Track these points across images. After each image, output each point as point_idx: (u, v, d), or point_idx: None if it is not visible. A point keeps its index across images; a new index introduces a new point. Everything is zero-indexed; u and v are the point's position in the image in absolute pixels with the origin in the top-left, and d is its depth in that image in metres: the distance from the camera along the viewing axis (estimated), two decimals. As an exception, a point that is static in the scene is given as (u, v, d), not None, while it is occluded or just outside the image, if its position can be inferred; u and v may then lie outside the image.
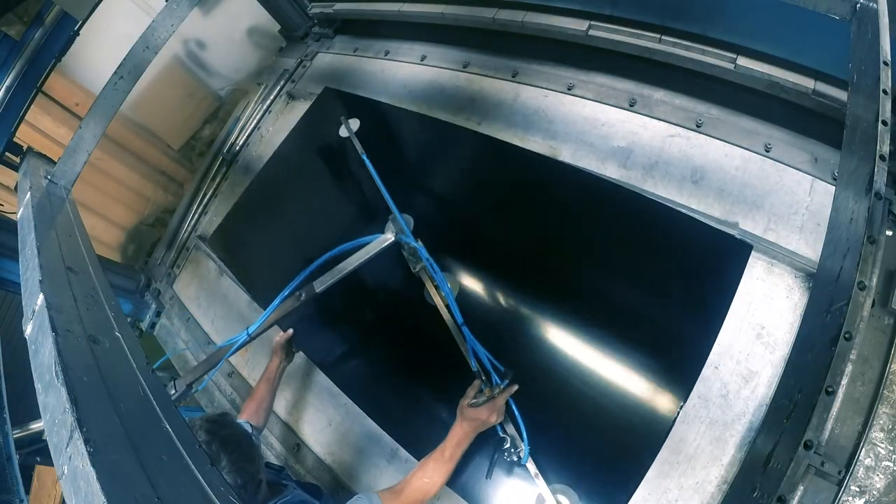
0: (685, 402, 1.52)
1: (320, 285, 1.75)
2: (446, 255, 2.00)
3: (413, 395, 1.97)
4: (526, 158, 2.08)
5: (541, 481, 1.51)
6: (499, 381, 1.54)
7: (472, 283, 1.97)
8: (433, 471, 1.42)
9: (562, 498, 1.49)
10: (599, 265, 1.83)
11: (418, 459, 1.75)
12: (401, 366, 2.03)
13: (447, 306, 1.76)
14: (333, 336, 2.24)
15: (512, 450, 1.55)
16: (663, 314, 1.68)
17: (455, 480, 1.60)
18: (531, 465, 1.53)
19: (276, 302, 1.72)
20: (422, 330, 1.95)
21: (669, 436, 1.51)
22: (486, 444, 1.60)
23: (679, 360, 1.59)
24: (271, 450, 2.11)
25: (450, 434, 1.46)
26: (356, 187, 2.40)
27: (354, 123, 2.53)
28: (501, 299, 1.95)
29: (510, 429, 1.57)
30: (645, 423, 1.55)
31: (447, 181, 2.30)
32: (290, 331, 2.05)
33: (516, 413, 1.56)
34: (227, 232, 2.76)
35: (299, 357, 2.20)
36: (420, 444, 1.79)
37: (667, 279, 1.71)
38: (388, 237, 1.82)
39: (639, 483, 1.47)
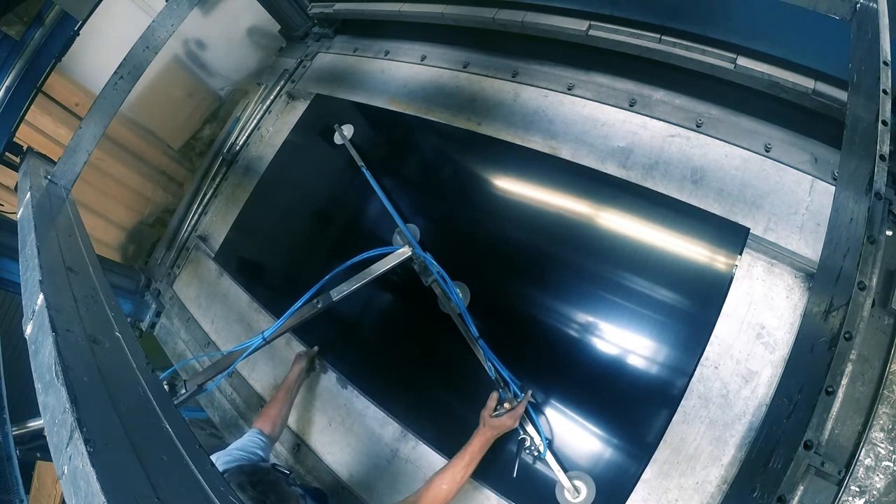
0: (687, 388, 1.55)
1: (337, 294, 1.78)
2: (452, 258, 2.00)
3: (428, 389, 1.98)
4: (525, 157, 2.08)
5: (559, 470, 1.60)
6: (517, 390, 1.67)
7: (480, 281, 1.97)
8: (452, 476, 1.49)
9: (579, 483, 1.59)
10: (601, 259, 1.83)
11: (429, 447, 1.80)
12: (416, 362, 2.05)
13: (461, 317, 1.82)
14: (347, 334, 2.25)
15: (531, 446, 1.65)
16: (665, 303, 1.69)
17: (484, 477, 1.69)
18: (549, 458, 1.62)
19: (294, 307, 1.76)
20: (436, 332, 1.97)
21: (670, 436, 1.52)
22: (507, 443, 1.69)
23: (680, 349, 1.61)
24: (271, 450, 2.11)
25: (472, 441, 1.54)
26: (356, 194, 2.40)
27: (348, 130, 2.54)
28: (509, 297, 1.95)
29: (529, 428, 1.66)
30: (652, 405, 1.60)
31: (448, 184, 2.30)
32: (316, 348, 2.12)
33: (532, 414, 1.66)
34: (232, 245, 2.78)
35: (299, 357, 2.20)
36: (433, 432, 1.85)
37: (669, 267, 1.72)
38: (406, 251, 1.85)
39: (647, 462, 1.52)
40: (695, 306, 1.66)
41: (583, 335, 1.76)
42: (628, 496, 1.50)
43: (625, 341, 1.70)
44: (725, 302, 1.60)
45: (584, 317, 1.78)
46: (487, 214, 2.10)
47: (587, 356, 1.73)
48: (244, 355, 1.73)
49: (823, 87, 1.70)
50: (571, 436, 1.67)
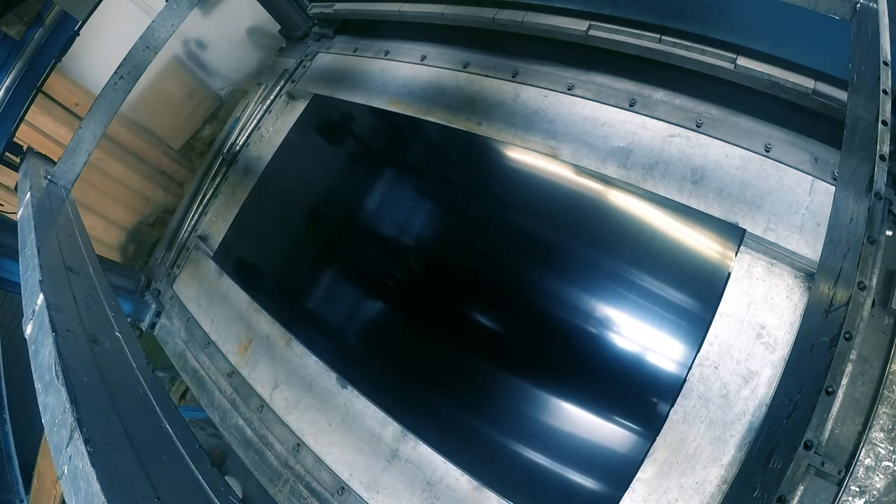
0: (680, 389, 1.54)
1: None
2: (453, 255, 2.01)
3: (429, 389, 1.98)
4: (521, 160, 2.08)
5: None
6: None
7: (483, 268, 1.97)
8: None
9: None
10: (595, 259, 1.83)
11: (430, 447, 1.79)
12: (416, 362, 2.05)
13: None
14: (347, 335, 2.25)
15: None
16: (662, 304, 1.69)
17: (485, 476, 1.60)
18: None
19: None
20: (437, 333, 1.96)
21: (670, 436, 1.51)
22: (508, 444, 1.58)
23: (675, 350, 1.61)
24: (271, 450, 2.11)
25: None
26: (354, 193, 2.40)
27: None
28: (501, 292, 1.95)
29: None
30: (644, 405, 1.59)
31: (446, 187, 2.31)
32: None
33: None
34: (230, 245, 2.79)
35: (299, 357, 2.21)
36: (433, 432, 1.82)
37: (665, 269, 1.72)
38: None
39: (640, 463, 1.50)
40: (691, 307, 1.65)
41: (574, 334, 1.75)
42: (620, 499, 1.50)
43: (617, 342, 1.70)
44: (723, 302, 1.60)
45: (574, 316, 1.78)
46: (484, 211, 2.10)
47: (579, 353, 1.73)
48: None
49: (823, 87, 1.70)
50: (557, 435, 1.66)
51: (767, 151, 1.74)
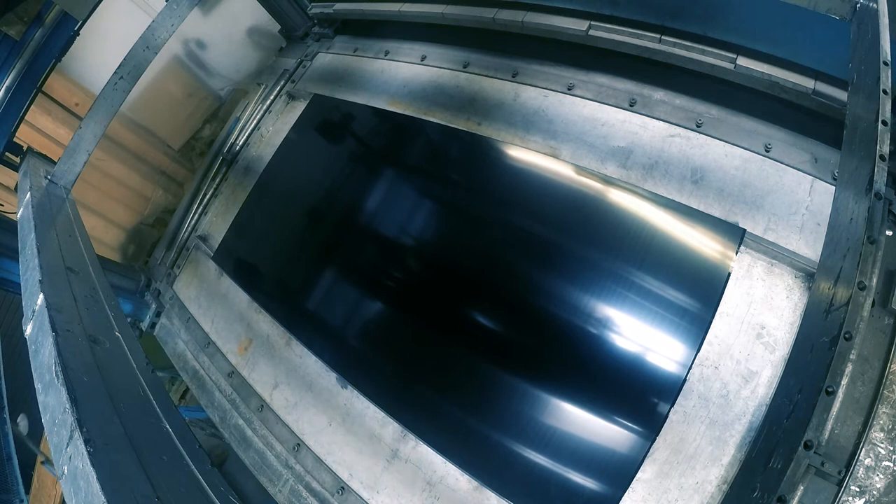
0: (680, 389, 1.54)
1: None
2: (453, 259, 2.01)
3: (429, 389, 1.98)
4: (521, 160, 2.08)
5: None
6: None
7: (482, 272, 1.97)
8: None
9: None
10: (596, 260, 1.83)
11: (430, 447, 1.80)
12: (416, 362, 2.04)
13: None
14: (347, 334, 2.25)
15: None
16: (663, 304, 1.69)
17: (484, 476, 1.59)
18: None
19: None
20: (437, 332, 1.96)
21: (670, 436, 1.52)
22: (510, 444, 1.58)
23: (675, 350, 1.61)
24: (271, 450, 2.11)
25: None
26: (354, 193, 2.40)
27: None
28: (501, 293, 1.95)
29: None
30: (645, 406, 1.59)
31: (446, 187, 2.31)
32: None
33: None
34: (230, 245, 2.80)
35: (299, 357, 2.21)
36: (433, 432, 1.82)
37: (666, 269, 1.72)
38: None
39: (641, 462, 1.51)
40: (691, 307, 1.66)
41: (574, 334, 1.76)
42: (620, 499, 1.50)
43: (617, 343, 1.70)
44: (723, 301, 1.60)
45: (574, 316, 1.78)
46: (483, 212, 2.10)
47: (579, 353, 1.73)
48: None
49: (823, 87, 1.70)
50: (557, 435, 1.66)
51: (767, 151, 1.74)
